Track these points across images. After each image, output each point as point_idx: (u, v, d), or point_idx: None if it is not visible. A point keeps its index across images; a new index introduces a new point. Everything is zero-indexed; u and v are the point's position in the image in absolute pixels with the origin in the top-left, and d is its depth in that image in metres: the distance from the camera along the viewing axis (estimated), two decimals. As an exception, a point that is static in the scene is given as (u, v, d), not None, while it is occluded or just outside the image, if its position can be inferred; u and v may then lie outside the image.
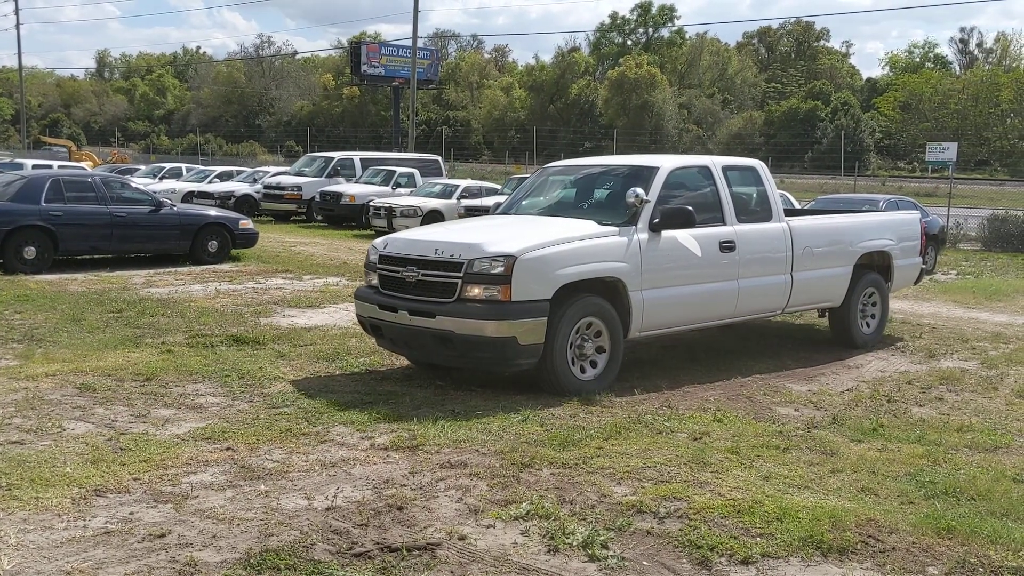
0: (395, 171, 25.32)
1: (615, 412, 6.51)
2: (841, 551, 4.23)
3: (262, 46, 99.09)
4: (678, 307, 7.71)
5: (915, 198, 21.91)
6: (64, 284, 12.43)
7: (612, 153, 45.32)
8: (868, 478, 5.25)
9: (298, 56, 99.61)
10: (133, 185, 16.27)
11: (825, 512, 4.60)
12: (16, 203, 13.64)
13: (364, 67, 60.28)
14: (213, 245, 15.53)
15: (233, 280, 13.35)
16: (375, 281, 7.55)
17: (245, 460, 5.34)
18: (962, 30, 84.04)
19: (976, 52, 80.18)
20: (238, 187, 27.00)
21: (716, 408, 6.74)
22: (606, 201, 8.10)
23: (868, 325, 9.54)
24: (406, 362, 8.02)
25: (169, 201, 15.97)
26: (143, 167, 34.73)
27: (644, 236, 7.37)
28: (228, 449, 5.54)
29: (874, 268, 9.55)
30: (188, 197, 25.45)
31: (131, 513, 4.53)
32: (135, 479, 4.98)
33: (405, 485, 4.99)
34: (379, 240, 7.80)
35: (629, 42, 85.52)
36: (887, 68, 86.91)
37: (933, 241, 16.52)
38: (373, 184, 24.84)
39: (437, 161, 29.08)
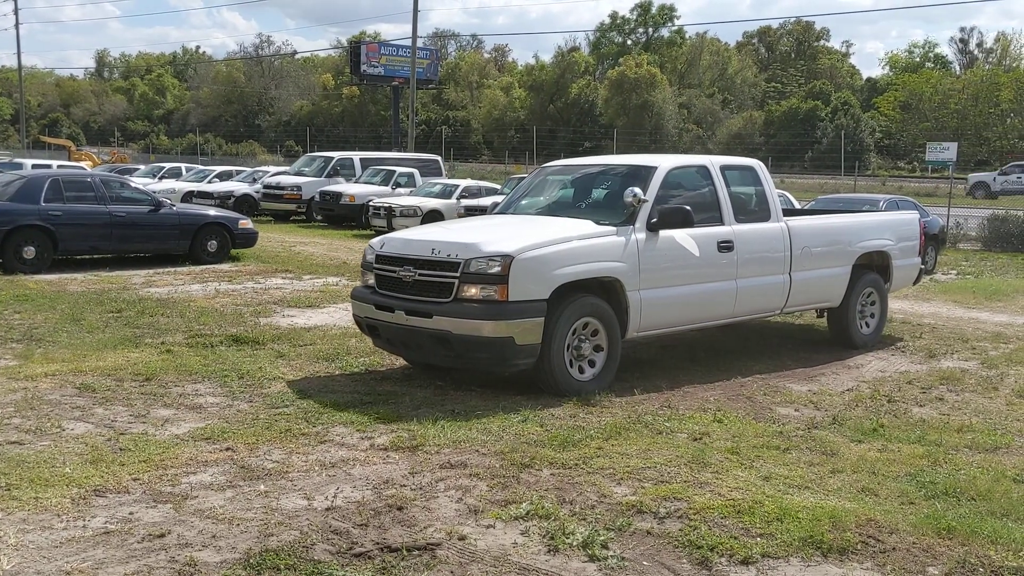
0: (395, 171, 25.31)
1: (615, 412, 6.51)
2: (841, 551, 4.23)
3: (262, 46, 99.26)
4: (676, 307, 7.70)
5: (915, 198, 21.89)
6: (63, 284, 12.42)
7: (612, 153, 45.30)
8: (868, 478, 5.24)
9: (298, 56, 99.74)
10: (132, 185, 16.27)
11: (825, 512, 4.60)
12: (15, 203, 13.64)
13: (364, 67, 60.27)
14: (212, 245, 15.52)
15: (233, 280, 13.34)
16: (372, 281, 7.53)
17: (245, 460, 5.34)
18: (962, 30, 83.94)
19: (976, 52, 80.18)
20: (237, 187, 26.99)
21: (716, 408, 6.74)
22: (604, 201, 8.08)
23: (867, 325, 9.53)
24: (405, 362, 8.01)
25: (168, 201, 15.96)
26: (142, 167, 34.74)
27: (642, 236, 7.36)
28: (228, 449, 5.53)
29: (873, 268, 9.54)
30: (187, 197, 25.44)
31: (131, 513, 4.52)
32: (135, 479, 4.98)
33: (405, 485, 4.98)
34: (376, 240, 7.77)
35: (629, 42, 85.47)
36: (887, 68, 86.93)
37: (933, 241, 16.51)
38: (373, 184, 24.83)
39: (437, 161, 29.06)
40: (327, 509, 4.64)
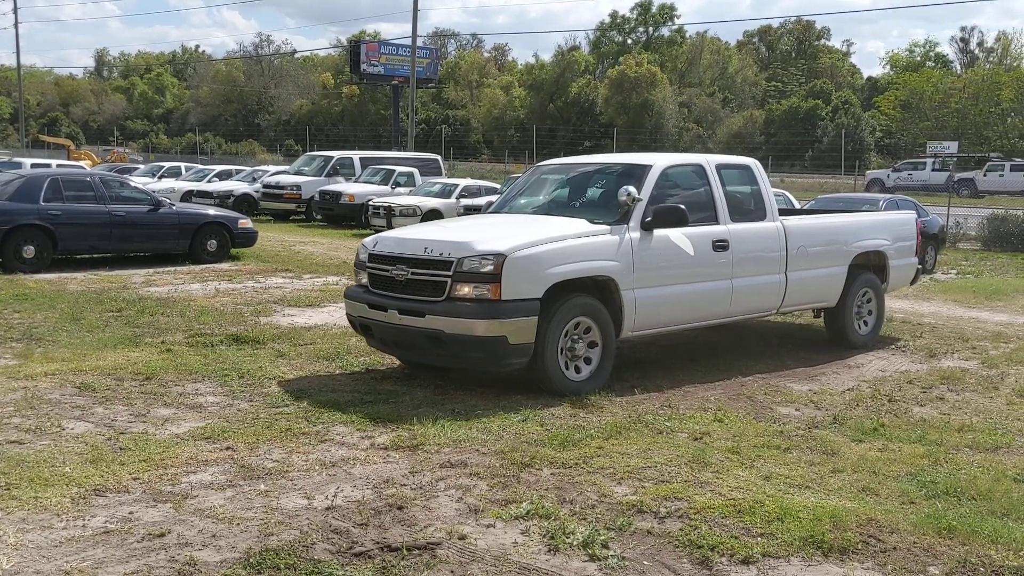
0: (394, 170, 25.31)
1: (615, 412, 6.51)
2: (842, 551, 4.23)
3: (261, 45, 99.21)
4: (671, 306, 7.67)
5: (915, 197, 21.91)
6: (63, 283, 12.42)
7: (612, 152, 45.32)
8: (869, 478, 5.24)
9: (297, 55, 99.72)
10: (132, 184, 16.27)
11: (826, 512, 4.60)
12: (15, 202, 13.63)
13: (363, 66, 60.20)
14: (212, 244, 15.52)
15: (232, 279, 13.34)
16: (365, 280, 7.50)
17: (245, 460, 5.33)
18: (963, 29, 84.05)
19: (977, 51, 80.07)
20: (237, 186, 26.98)
21: (716, 408, 6.74)
22: (599, 200, 8.06)
23: (865, 324, 9.52)
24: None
25: (168, 200, 15.96)
26: (142, 166, 34.73)
27: (636, 235, 7.33)
28: (228, 449, 5.53)
29: (869, 268, 9.52)
30: (187, 196, 25.44)
31: (130, 513, 4.52)
32: (134, 479, 4.98)
33: (405, 485, 4.98)
34: (369, 239, 7.74)
35: (629, 41, 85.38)
36: (888, 67, 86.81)
37: (933, 240, 16.51)
38: (372, 183, 24.83)
39: (436, 160, 29.07)
40: (327, 508, 4.63)
